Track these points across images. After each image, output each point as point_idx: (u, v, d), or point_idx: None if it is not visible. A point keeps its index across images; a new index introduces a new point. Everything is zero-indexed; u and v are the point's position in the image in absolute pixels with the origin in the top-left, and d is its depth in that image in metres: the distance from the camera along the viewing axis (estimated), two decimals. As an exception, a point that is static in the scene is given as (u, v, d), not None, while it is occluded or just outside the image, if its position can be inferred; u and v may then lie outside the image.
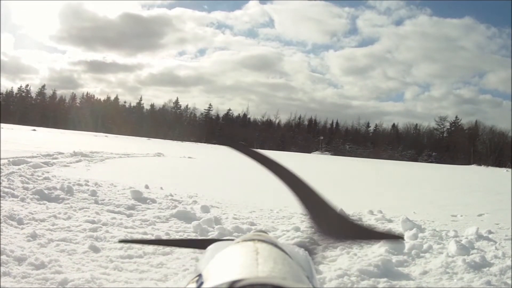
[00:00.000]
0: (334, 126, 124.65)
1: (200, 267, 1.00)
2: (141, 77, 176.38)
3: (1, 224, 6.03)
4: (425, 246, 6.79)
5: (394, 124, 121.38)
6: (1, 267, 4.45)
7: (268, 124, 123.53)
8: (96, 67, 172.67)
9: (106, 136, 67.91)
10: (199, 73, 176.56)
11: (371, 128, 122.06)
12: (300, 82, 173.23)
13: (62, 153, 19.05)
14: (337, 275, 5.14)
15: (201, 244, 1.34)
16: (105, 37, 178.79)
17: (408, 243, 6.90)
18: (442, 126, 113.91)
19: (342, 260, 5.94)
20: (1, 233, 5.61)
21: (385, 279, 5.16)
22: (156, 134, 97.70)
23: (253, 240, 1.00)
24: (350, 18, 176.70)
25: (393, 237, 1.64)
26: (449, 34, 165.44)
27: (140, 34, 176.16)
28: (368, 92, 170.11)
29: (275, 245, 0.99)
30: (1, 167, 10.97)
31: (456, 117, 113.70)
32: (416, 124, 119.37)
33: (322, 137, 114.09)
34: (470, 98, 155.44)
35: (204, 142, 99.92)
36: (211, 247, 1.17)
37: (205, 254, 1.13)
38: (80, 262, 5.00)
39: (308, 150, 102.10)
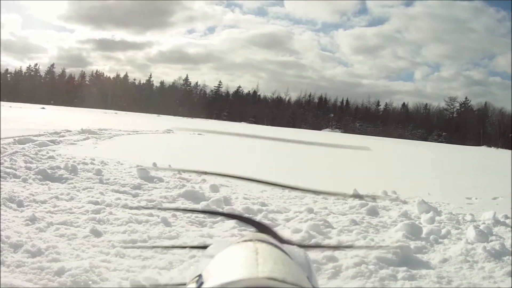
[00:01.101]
0: (344, 104, 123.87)
1: (200, 267, 1.00)
2: (151, 55, 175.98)
3: (1, 208, 5.77)
4: (443, 231, 6.53)
5: (404, 103, 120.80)
6: (-5, 255, 4.18)
7: (278, 101, 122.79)
8: (105, 45, 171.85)
9: (115, 113, 67.56)
10: (208, 50, 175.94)
11: (381, 106, 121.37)
12: (310, 60, 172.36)
13: (70, 131, 18.81)
14: (354, 263, 4.80)
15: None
16: (114, 16, 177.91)
17: (425, 227, 6.68)
18: (452, 107, 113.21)
19: (358, 245, 5.64)
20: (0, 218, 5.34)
21: (404, 268, 4.83)
22: (166, 111, 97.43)
23: (253, 240, 1.00)
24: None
25: None
26: (458, 15, 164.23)
27: (148, 12, 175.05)
28: (377, 71, 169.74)
29: (275, 245, 0.99)
30: (6, 146, 10.75)
31: (466, 98, 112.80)
32: (426, 104, 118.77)
33: (332, 115, 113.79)
34: (480, 79, 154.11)
35: (214, 119, 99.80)
36: (211, 247, 1.18)
37: (205, 254, 1.13)
38: (79, 248, 4.70)
39: (319, 128, 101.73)
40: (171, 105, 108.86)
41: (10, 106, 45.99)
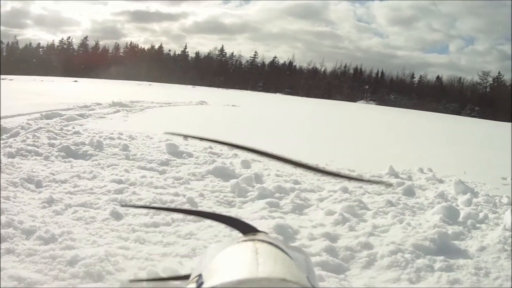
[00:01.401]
0: (379, 75, 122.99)
1: (200, 267, 0.99)
2: (186, 25, 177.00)
3: (17, 189, 5.56)
4: (480, 215, 6.17)
5: (438, 76, 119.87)
6: (7, 243, 3.94)
7: (314, 72, 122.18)
8: (140, 17, 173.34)
9: (149, 85, 67.53)
10: (244, 20, 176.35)
11: (416, 79, 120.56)
12: (345, 31, 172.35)
13: (100, 104, 18.64)
14: (390, 251, 4.45)
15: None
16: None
17: (463, 210, 6.33)
18: (485, 81, 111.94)
19: (394, 231, 5.27)
20: (15, 199, 5.11)
21: (442, 257, 4.45)
22: (201, 82, 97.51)
23: (253, 240, 1.01)
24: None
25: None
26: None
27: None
28: (413, 43, 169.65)
29: (275, 245, 1.00)
30: (31, 122, 10.63)
31: (499, 72, 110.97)
32: (460, 78, 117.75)
33: (367, 86, 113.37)
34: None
35: (250, 90, 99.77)
36: (211, 247, 1.15)
37: (205, 254, 1.10)
38: (97, 233, 4.39)
39: (354, 99, 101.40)
40: (206, 76, 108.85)
41: (42, 80, 46.24)
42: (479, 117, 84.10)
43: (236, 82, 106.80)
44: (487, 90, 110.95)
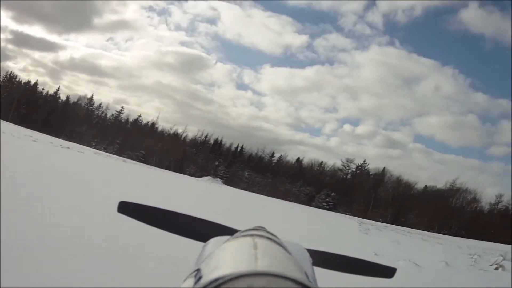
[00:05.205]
0: (239, 150, 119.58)
1: (198, 262, 1.03)
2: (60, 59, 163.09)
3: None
4: None
5: (298, 158, 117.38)
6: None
7: (174, 137, 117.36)
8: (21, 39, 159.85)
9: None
10: (120, 64, 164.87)
11: (275, 158, 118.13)
12: (222, 97, 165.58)
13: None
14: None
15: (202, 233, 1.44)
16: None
17: None
18: (347, 168, 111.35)
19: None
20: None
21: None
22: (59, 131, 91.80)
23: (251, 235, 0.98)
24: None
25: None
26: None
27: (70, 9, 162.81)
28: (291, 119, 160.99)
29: (274, 240, 0.97)
30: None
31: (364, 161, 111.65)
32: (321, 161, 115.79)
33: (217, 163, 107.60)
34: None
35: (106, 147, 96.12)
36: (209, 242, 1.22)
37: (203, 248, 1.18)
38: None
39: (206, 172, 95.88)
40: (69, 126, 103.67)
41: None
42: (333, 204, 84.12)
43: (95, 135, 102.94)
44: (348, 176, 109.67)
